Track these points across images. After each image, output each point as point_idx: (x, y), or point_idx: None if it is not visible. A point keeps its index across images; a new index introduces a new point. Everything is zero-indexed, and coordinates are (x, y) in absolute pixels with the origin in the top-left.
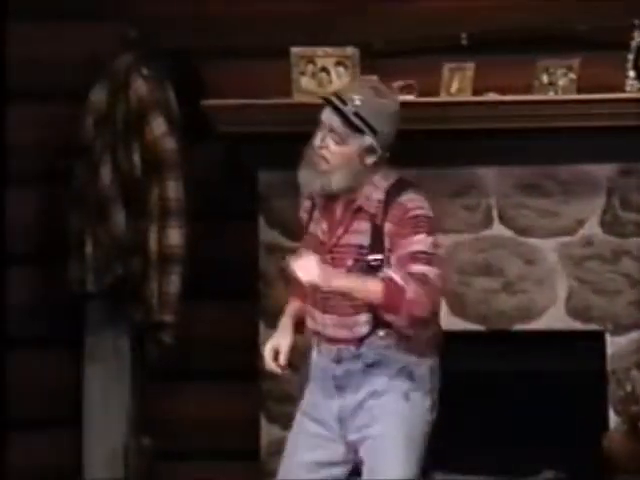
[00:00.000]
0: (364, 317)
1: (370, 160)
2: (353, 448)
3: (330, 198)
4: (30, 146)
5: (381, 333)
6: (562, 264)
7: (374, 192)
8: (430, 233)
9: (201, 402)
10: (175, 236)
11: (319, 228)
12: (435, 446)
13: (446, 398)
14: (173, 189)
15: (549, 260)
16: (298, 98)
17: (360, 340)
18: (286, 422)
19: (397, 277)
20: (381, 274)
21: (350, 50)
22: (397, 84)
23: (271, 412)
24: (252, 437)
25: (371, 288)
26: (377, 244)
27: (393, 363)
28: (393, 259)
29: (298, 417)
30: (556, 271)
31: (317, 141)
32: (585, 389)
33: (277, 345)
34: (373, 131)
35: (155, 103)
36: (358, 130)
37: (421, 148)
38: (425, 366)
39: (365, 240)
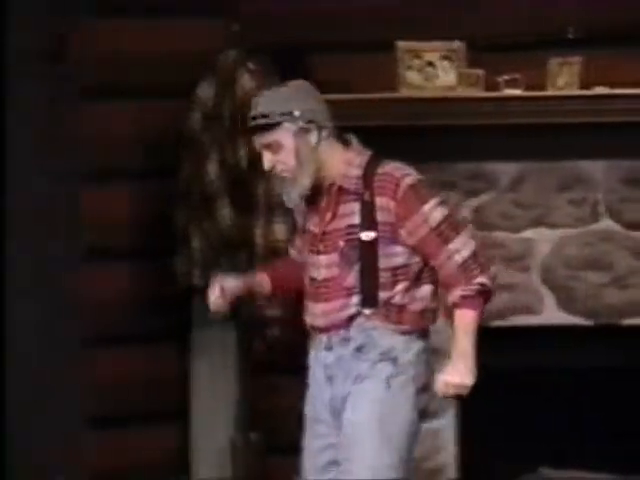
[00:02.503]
0: (355, 298)
1: (313, 138)
2: None
3: (312, 192)
4: (136, 142)
5: (367, 312)
6: None
7: (349, 169)
8: (433, 195)
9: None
10: (280, 231)
11: (312, 223)
12: (544, 442)
13: (555, 393)
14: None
15: None
16: (404, 92)
17: (348, 322)
18: None
19: (469, 291)
20: (454, 300)
21: (456, 44)
22: (503, 78)
23: None
24: None
25: (472, 322)
26: (368, 221)
27: (378, 347)
28: (413, 239)
29: (307, 422)
30: None
31: (266, 166)
32: None
33: (222, 281)
34: (285, 114)
35: None
36: (276, 124)
37: (527, 142)
38: (412, 352)
39: (355, 219)
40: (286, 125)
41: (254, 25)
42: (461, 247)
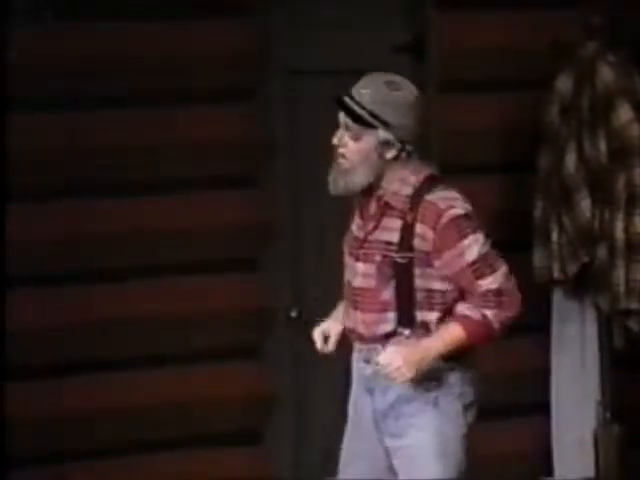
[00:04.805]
0: (391, 315)
1: (390, 154)
2: (389, 454)
3: (365, 193)
4: (493, 135)
5: (406, 332)
6: None
7: (402, 188)
8: (475, 231)
9: None
10: None
11: (355, 223)
12: None
13: None
14: None
15: None
16: None
17: (386, 338)
18: None
19: (472, 313)
20: (456, 312)
21: None
22: None
23: None
24: None
25: (454, 338)
26: (405, 242)
27: None
28: (447, 271)
29: (349, 423)
30: None
31: (335, 140)
32: None
33: (326, 330)
34: (386, 124)
35: (621, 90)
36: (370, 125)
37: None
38: (455, 374)
39: (394, 237)
40: (379, 131)
41: (615, 15)
42: (492, 282)
